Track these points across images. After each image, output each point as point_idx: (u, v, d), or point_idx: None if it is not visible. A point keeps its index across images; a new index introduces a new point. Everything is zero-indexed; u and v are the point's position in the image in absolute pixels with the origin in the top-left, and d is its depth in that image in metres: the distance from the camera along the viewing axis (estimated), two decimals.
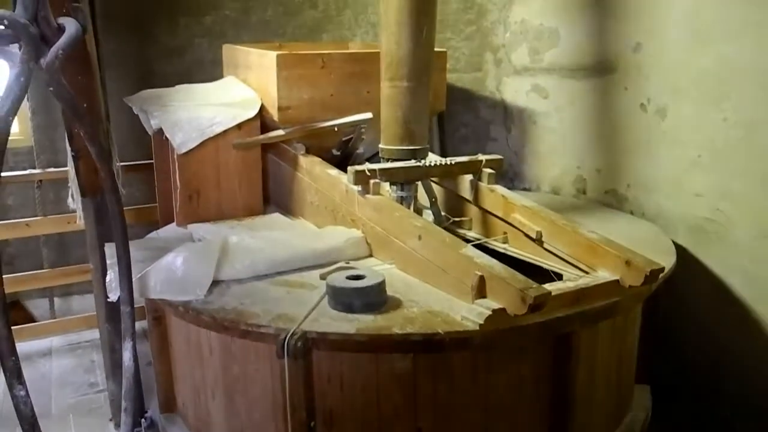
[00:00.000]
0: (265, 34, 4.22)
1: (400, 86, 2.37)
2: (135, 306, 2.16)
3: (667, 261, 2.22)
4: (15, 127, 4.01)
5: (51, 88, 1.48)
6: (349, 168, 2.29)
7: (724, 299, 2.63)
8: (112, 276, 2.13)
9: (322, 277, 2.01)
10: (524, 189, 3.57)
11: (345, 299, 1.80)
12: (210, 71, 3.76)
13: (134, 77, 4.17)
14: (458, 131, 3.83)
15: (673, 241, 2.57)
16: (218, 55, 3.35)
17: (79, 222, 2.68)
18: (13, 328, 1.55)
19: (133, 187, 3.84)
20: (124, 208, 3.00)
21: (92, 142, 1.66)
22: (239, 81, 3.00)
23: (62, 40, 1.41)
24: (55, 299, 3.83)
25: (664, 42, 2.74)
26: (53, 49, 1.42)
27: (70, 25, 1.45)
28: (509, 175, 3.63)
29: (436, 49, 2.55)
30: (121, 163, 3.11)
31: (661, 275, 1.99)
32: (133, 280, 2.09)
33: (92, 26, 2.62)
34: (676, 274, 2.31)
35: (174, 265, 2.02)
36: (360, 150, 2.88)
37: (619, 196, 3.09)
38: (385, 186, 2.37)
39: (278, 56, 2.59)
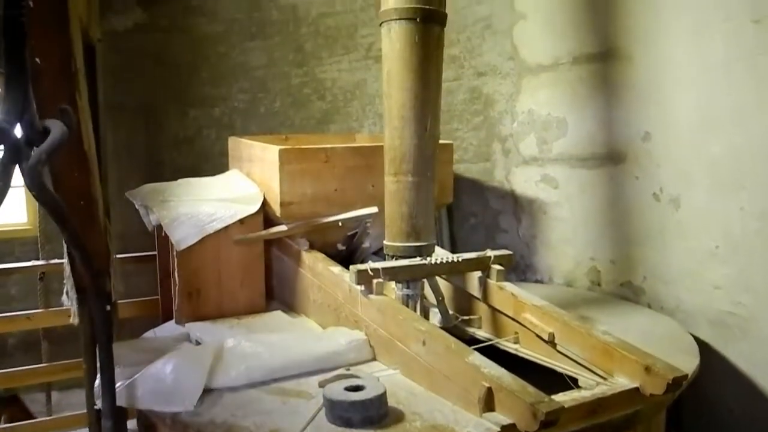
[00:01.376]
0: (273, 125, 4.24)
1: (404, 181, 2.31)
2: None
3: (690, 363, 2.08)
4: (23, 217, 4.01)
5: (33, 193, 1.41)
6: (351, 267, 2.20)
7: (751, 396, 2.46)
8: (98, 383, 2.02)
9: (321, 384, 1.89)
10: (537, 281, 3.46)
11: (343, 413, 1.67)
12: (218, 162, 3.76)
13: (143, 168, 4.18)
14: (468, 221, 3.75)
15: (695, 336, 2.44)
16: (226, 146, 3.34)
17: (73, 319, 2.58)
18: (6, 426, 1.43)
19: (139, 278, 3.77)
20: (127, 301, 2.92)
21: (76, 246, 1.58)
22: (243, 175, 2.97)
23: (45, 144, 1.35)
24: (54, 393, 3.69)
25: (673, 130, 2.69)
26: (35, 153, 1.36)
27: (55, 128, 1.39)
28: (521, 267, 3.53)
29: (442, 141, 2.51)
30: (126, 254, 3.06)
31: (685, 381, 1.85)
32: (122, 387, 1.97)
33: (94, 119, 2.59)
34: (700, 373, 2.16)
35: (163, 372, 1.90)
36: (366, 244, 2.80)
37: (636, 288, 2.96)
38: (390, 284, 2.28)
39: (281, 151, 2.55)
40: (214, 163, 3.91)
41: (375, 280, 2.16)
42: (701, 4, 2.47)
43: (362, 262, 2.99)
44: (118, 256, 3.36)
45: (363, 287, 2.18)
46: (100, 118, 2.81)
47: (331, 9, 4.13)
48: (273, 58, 4.26)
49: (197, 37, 4.21)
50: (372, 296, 2.16)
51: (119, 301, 3.16)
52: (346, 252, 2.80)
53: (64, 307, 3.30)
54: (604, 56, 2.95)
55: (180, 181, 2.94)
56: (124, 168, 4.15)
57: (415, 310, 2.30)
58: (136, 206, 2.78)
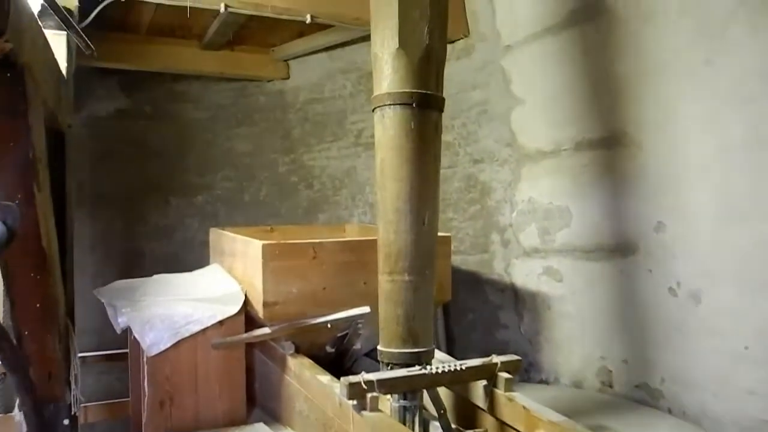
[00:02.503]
0: (259, 214, 4.05)
1: (400, 281, 2.08)
2: None
3: None
4: None
5: None
6: (342, 379, 1.94)
7: None
8: None
9: None
10: (541, 381, 3.19)
11: None
12: (200, 252, 3.55)
13: (122, 258, 3.97)
14: (465, 317, 3.51)
15: None
16: (208, 236, 3.14)
17: None
18: None
19: (111, 376, 3.49)
20: (95, 403, 2.63)
21: (13, 371, 1.33)
22: (223, 270, 2.74)
23: None
24: None
25: (690, 221, 2.49)
26: None
27: None
28: (524, 365, 3.26)
29: (440, 234, 2.30)
30: (97, 352, 2.84)
31: None
32: None
33: (63, 210, 2.38)
34: None
35: None
36: (357, 346, 2.56)
37: (653, 391, 2.70)
38: (386, 396, 2.01)
39: (264, 246, 2.33)
40: (196, 254, 3.70)
41: (369, 394, 1.89)
42: (716, 87, 2.33)
43: (353, 364, 2.73)
44: (89, 354, 3.10)
45: (355, 402, 1.91)
46: (73, 207, 2.61)
47: (320, 95, 4.02)
48: (259, 145, 4.11)
49: (182, 124, 4.07)
50: (366, 413, 1.89)
51: (86, 404, 2.89)
52: (336, 354, 2.55)
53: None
54: (608, 142, 2.80)
55: (155, 277, 2.71)
56: (101, 259, 3.93)
57: (413, 425, 2.03)
58: (105, 305, 2.53)
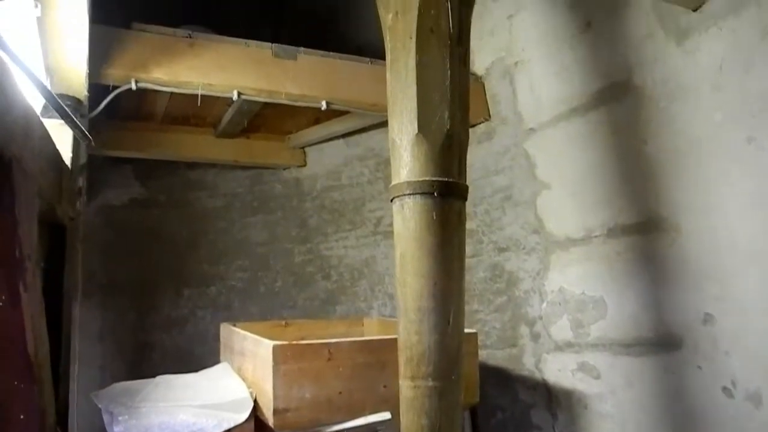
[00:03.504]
0: (274, 305, 3.88)
1: (423, 387, 1.87)
2: None
3: None
4: None
5: None
6: None
7: None
8: None
9: None
10: None
11: None
12: (212, 345, 3.39)
13: (130, 351, 3.81)
14: (494, 417, 3.25)
15: None
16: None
17: None
18: None
19: None
20: None
21: None
22: (232, 371, 2.54)
23: None
24: None
25: (741, 312, 2.27)
26: None
27: None
28: None
29: (466, 331, 2.11)
30: None
31: None
32: None
33: (58, 309, 2.23)
34: None
35: None
36: None
37: None
38: None
39: (275, 347, 2.14)
40: (208, 348, 3.53)
41: None
42: (762, 165, 2.16)
43: None
44: None
45: None
46: (72, 304, 2.46)
47: (337, 182, 3.91)
48: (275, 234, 3.99)
49: (196, 213, 3.98)
50: None
51: None
52: None
53: None
54: (643, 227, 2.61)
55: (157, 379, 2.52)
56: (109, 350, 3.77)
57: None
58: (102, 412, 2.33)
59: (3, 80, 1.30)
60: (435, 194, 1.91)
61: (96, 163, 3.93)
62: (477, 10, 3.26)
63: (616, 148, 2.71)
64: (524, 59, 3.09)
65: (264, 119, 3.61)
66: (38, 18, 1.70)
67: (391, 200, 2.01)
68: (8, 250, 1.51)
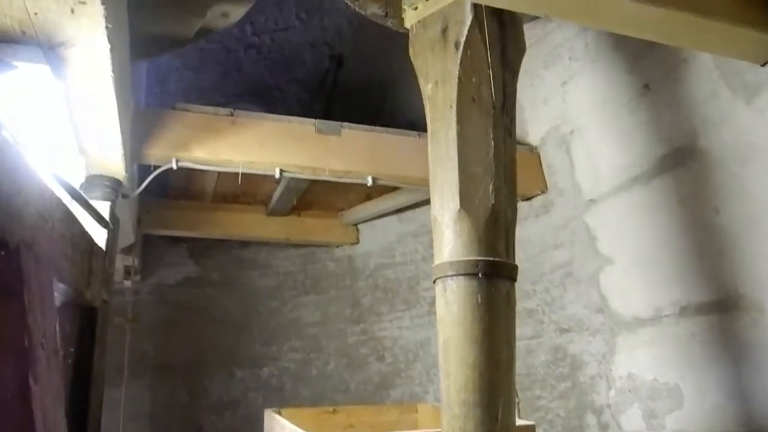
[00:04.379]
0: (326, 388, 3.72)
1: None
2: None
3: None
4: None
5: None
6: None
7: None
8: None
9: None
10: None
11: None
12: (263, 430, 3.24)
13: None
14: None
15: None
16: None
17: None
18: None
19: None
20: None
21: None
22: None
23: None
24: None
25: None
26: None
27: None
28: None
29: (522, 422, 1.90)
30: None
31: None
32: None
33: (85, 397, 2.14)
34: None
35: None
36: None
37: None
38: None
39: None
40: None
41: None
42: None
43: None
44: None
45: None
46: (102, 389, 2.37)
47: (390, 260, 3.78)
48: (328, 314, 3.87)
49: (248, 292, 3.92)
50: None
51: None
52: None
53: None
54: (720, 306, 2.36)
55: None
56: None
57: None
58: None
59: (8, 164, 1.25)
60: (480, 275, 1.75)
61: (151, 242, 3.94)
62: (528, 78, 3.16)
63: (684, 218, 2.49)
64: (580, 127, 2.93)
65: (315, 196, 3.55)
66: (65, 98, 1.67)
67: (434, 281, 1.86)
68: (16, 339, 1.42)
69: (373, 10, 2.74)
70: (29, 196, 1.33)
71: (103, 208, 2.18)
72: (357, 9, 2.74)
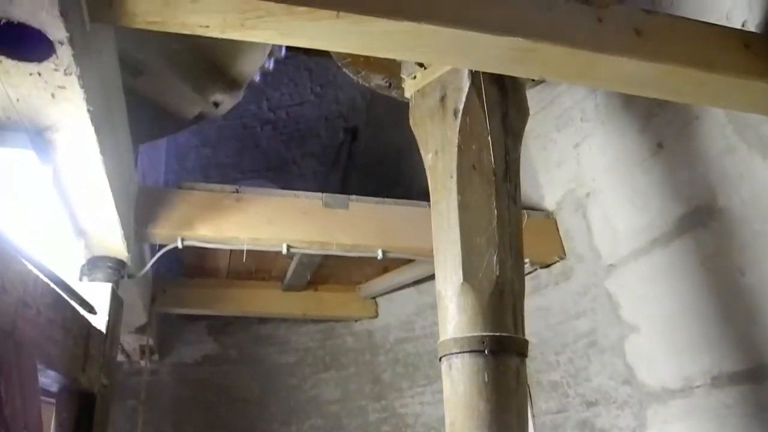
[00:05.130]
0: None
1: None
2: None
3: None
4: None
5: None
6: None
7: None
8: None
9: None
10: None
11: None
12: None
13: None
14: None
15: None
16: None
17: None
18: None
19: None
20: None
21: None
22: None
23: None
24: None
25: None
26: None
27: None
28: None
29: None
30: None
31: None
32: None
33: None
34: None
35: None
36: None
37: None
38: None
39: None
40: None
41: None
42: None
43: None
44: None
45: None
46: None
47: (410, 333, 3.67)
48: (348, 390, 3.75)
49: (267, 369, 3.84)
50: None
51: None
52: None
53: None
54: (756, 374, 2.19)
55: None
56: None
57: None
58: None
59: None
60: (486, 352, 1.66)
61: (169, 321, 3.91)
62: (541, 142, 3.10)
63: (708, 280, 2.36)
64: (595, 189, 2.84)
65: (330, 270, 3.50)
66: (57, 181, 1.65)
67: (439, 359, 1.77)
68: None
69: (377, 82, 2.74)
70: (8, 282, 1.29)
71: (104, 289, 2.14)
72: (361, 81, 2.74)
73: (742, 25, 2.03)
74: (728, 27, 1.90)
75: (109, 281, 2.23)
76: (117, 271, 2.26)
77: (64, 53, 1.20)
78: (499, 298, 1.72)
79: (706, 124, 2.27)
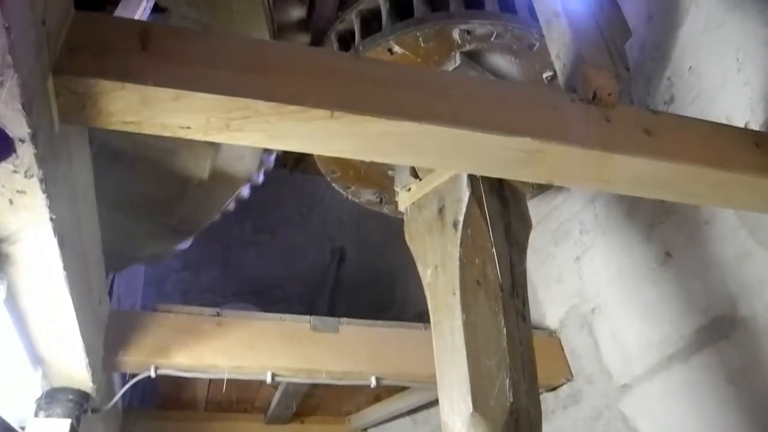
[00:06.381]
0: None
1: None
2: None
3: None
4: None
5: None
6: None
7: None
8: None
9: None
10: None
11: None
12: None
13: None
14: None
15: None
16: None
17: None
18: None
19: None
20: None
21: None
22: None
23: None
24: None
25: None
26: None
27: None
28: None
29: None
30: None
31: None
32: None
33: None
34: None
35: None
36: None
37: None
38: None
39: None
40: None
41: None
42: None
43: None
44: None
45: None
46: None
47: None
48: None
49: None
50: None
51: None
52: None
53: None
54: None
55: None
56: None
57: None
58: None
59: None
60: None
61: None
62: (539, 257, 2.97)
63: (737, 398, 2.15)
64: (601, 304, 2.68)
65: (318, 400, 3.26)
66: (8, 298, 1.46)
67: None
68: None
69: (367, 197, 2.64)
70: None
71: (62, 426, 1.90)
72: (351, 197, 2.63)
73: (745, 126, 1.98)
74: (735, 126, 1.83)
75: (69, 416, 2.00)
76: (79, 404, 2.03)
77: (25, 152, 1.06)
78: (514, 427, 1.52)
79: (717, 228, 2.15)
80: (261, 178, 2.09)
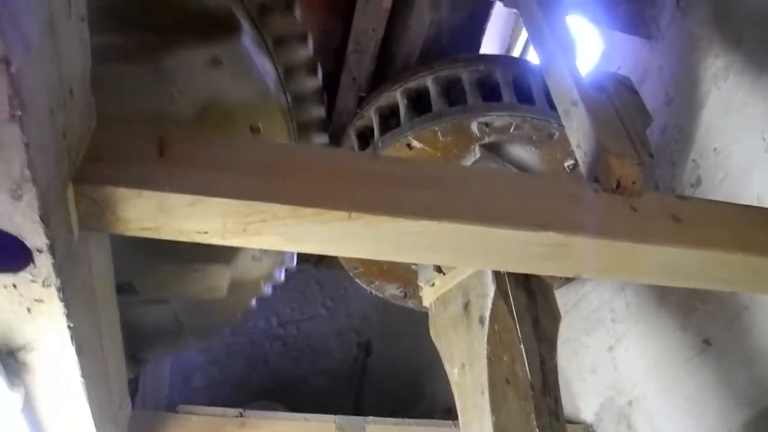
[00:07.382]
0: None
1: None
2: None
3: None
4: None
5: None
6: None
7: None
8: None
9: None
10: None
11: None
12: None
13: None
14: None
15: None
16: None
17: None
18: None
19: None
20: None
21: None
22: None
23: None
24: None
25: None
26: None
27: None
28: None
29: None
30: None
31: None
32: None
33: None
34: None
35: None
36: None
37: None
38: None
39: None
40: None
41: None
42: None
43: None
44: None
45: None
46: None
47: None
48: None
49: None
50: None
51: None
52: None
53: None
54: None
55: None
56: None
57: None
58: None
59: None
60: None
61: None
62: (571, 347, 2.88)
63: None
64: (638, 396, 2.57)
65: None
66: (24, 407, 1.42)
67: None
68: None
69: (392, 292, 2.60)
70: None
71: None
72: (375, 292, 2.60)
73: None
74: (766, 208, 1.78)
75: None
76: None
77: (43, 262, 1.05)
78: None
79: (759, 314, 2.07)
80: (282, 276, 2.07)
